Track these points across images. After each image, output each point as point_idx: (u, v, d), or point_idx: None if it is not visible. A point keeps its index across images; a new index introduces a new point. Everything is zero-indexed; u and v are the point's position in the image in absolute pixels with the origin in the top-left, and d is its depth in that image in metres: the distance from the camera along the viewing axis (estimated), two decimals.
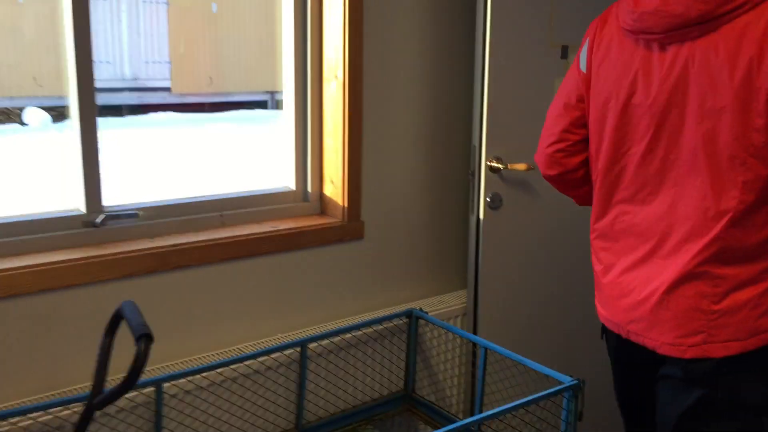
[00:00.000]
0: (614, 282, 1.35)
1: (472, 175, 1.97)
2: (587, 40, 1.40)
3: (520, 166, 1.92)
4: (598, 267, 1.41)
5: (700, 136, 1.20)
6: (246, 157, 7.04)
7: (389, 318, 1.88)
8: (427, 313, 1.93)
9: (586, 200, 1.52)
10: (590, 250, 1.45)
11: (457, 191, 2.12)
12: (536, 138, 1.52)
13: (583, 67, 1.40)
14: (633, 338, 1.32)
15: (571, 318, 2.18)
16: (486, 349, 1.75)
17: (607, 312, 1.38)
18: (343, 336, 1.80)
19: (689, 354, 1.24)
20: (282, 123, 1.93)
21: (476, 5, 1.89)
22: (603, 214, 1.39)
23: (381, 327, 1.88)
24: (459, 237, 2.14)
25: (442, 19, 2.00)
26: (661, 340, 1.27)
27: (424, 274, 2.10)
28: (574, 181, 1.48)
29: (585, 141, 1.43)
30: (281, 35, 1.89)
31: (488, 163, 1.93)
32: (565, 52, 1.99)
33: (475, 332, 2.01)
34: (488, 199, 1.95)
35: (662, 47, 1.24)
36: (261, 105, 9.52)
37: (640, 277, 1.30)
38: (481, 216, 1.95)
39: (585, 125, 1.42)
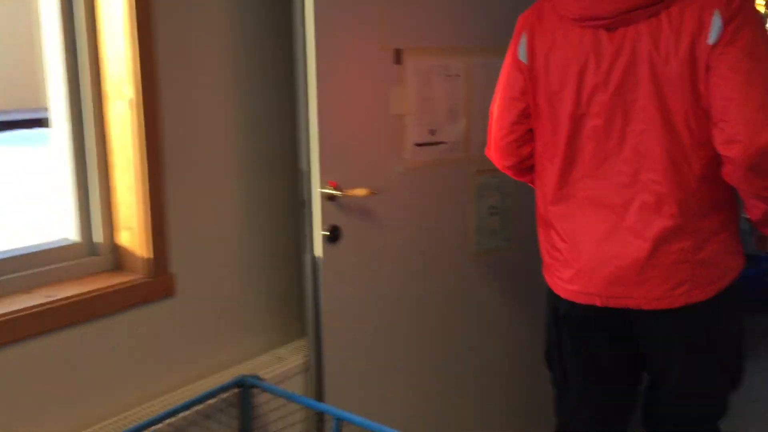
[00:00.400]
0: (589, 254, 1.42)
1: (303, 205, 1.65)
2: (524, 34, 1.47)
3: (360, 192, 1.62)
4: (561, 245, 1.47)
5: (655, 107, 1.33)
6: (14, 196, 5.65)
7: (214, 393, 1.50)
8: (261, 379, 1.57)
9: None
10: (537, 237, 1.55)
11: (288, 225, 1.78)
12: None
13: (524, 59, 1.47)
14: (613, 303, 1.42)
15: (446, 360, 1.92)
16: (339, 420, 1.43)
17: (580, 286, 1.45)
18: (156, 427, 1.40)
19: (678, 303, 1.38)
20: (53, 155, 1.48)
21: (293, 3, 1.58)
22: (564, 193, 1.46)
23: (205, 405, 1.50)
24: (294, 277, 1.80)
25: (252, 19, 1.66)
26: (649, 296, 1.38)
27: (257, 326, 1.75)
28: (530, 167, 1.56)
29: (531, 130, 1.51)
30: (42, 42, 1.45)
31: (322, 191, 1.61)
32: (399, 57, 1.72)
33: (320, 393, 1.68)
34: (325, 232, 1.63)
35: (609, 31, 1.35)
36: (42, 123, 8.29)
37: (617, 244, 1.39)
38: (318, 252, 1.63)
39: (529, 115, 1.50)
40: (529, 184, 1.62)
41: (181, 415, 1.44)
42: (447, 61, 1.79)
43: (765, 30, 1.32)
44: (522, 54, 1.47)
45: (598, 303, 1.43)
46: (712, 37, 1.28)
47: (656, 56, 1.31)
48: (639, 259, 1.37)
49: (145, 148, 1.44)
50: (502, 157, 1.58)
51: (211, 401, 1.50)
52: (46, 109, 1.49)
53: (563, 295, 1.48)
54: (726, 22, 1.28)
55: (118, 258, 1.52)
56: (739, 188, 1.36)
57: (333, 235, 1.64)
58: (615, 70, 1.35)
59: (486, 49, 1.82)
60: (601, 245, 1.40)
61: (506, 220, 1.94)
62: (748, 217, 1.43)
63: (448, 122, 1.81)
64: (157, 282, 1.50)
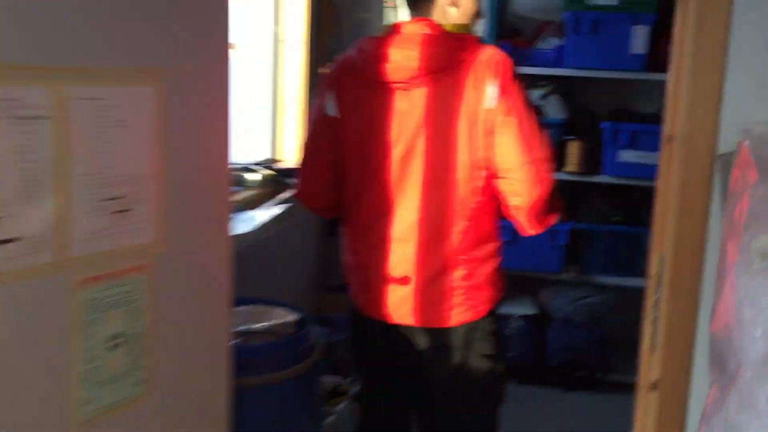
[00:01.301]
0: (381, 279, 1.71)
1: None
2: (333, 90, 1.73)
3: None
4: (362, 275, 1.77)
5: (442, 157, 1.63)
6: None
7: None
8: None
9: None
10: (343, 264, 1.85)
11: None
12: None
13: (333, 113, 1.72)
14: (397, 320, 1.73)
15: None
16: None
17: (374, 306, 1.75)
18: None
19: (452, 323, 1.71)
20: None
21: None
22: (365, 228, 1.74)
23: None
24: None
25: None
26: (429, 316, 1.70)
27: None
28: (337, 209, 1.83)
29: (338, 176, 1.77)
30: None
31: None
32: None
33: None
34: None
35: (407, 90, 1.65)
36: None
37: (408, 272, 1.69)
38: None
39: (337, 163, 1.75)
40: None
41: None
42: (18, 92, 0.99)
43: (527, 96, 1.65)
44: (330, 109, 1.72)
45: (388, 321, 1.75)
46: (488, 102, 1.60)
47: (442, 115, 1.62)
48: (422, 282, 1.69)
49: None
50: (313, 202, 1.87)
51: None
52: None
53: (366, 312, 1.81)
54: (500, 90, 1.60)
55: None
56: (525, 229, 1.72)
57: None
58: (409, 126, 1.65)
59: (92, 71, 1.07)
60: (392, 271, 1.70)
61: (139, 352, 1.19)
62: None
63: (22, 203, 1.01)
64: None
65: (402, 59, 1.61)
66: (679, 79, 1.37)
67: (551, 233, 3.46)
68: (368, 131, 1.67)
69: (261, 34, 3.49)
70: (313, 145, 1.79)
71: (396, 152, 1.65)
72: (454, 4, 1.68)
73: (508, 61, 1.62)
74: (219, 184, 1.27)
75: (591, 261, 3.54)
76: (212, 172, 1.25)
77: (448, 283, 1.67)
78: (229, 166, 1.30)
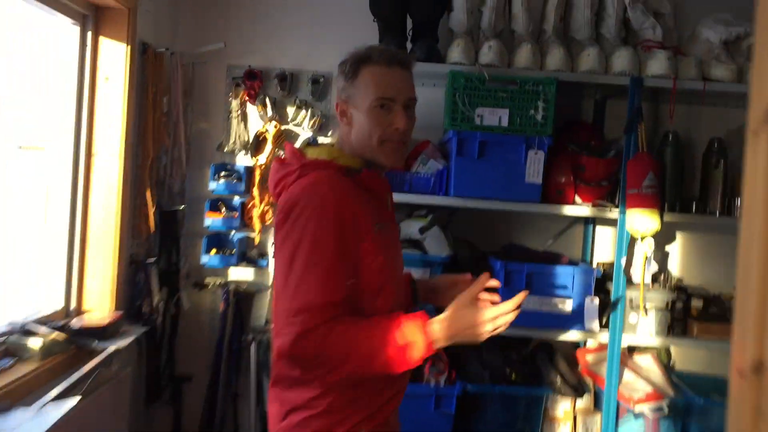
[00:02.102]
0: None
1: None
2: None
3: None
4: None
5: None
6: None
7: None
8: None
9: None
10: None
11: None
12: None
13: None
14: None
15: None
16: None
17: None
18: None
19: None
20: None
21: None
22: None
23: None
24: None
25: None
26: None
27: None
28: None
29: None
30: None
31: None
32: None
33: None
34: None
35: None
36: None
37: None
38: None
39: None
40: None
41: None
42: None
43: (316, 240, 1.47)
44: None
45: None
46: (276, 235, 1.55)
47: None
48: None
49: None
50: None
51: None
52: None
53: None
54: (275, 228, 1.55)
55: None
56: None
57: None
58: None
59: None
60: None
61: None
62: None
63: None
64: None
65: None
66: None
67: (436, 398, 2.78)
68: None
69: (62, 140, 2.68)
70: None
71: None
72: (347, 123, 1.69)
73: (297, 194, 1.53)
74: None
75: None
76: None
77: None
78: None
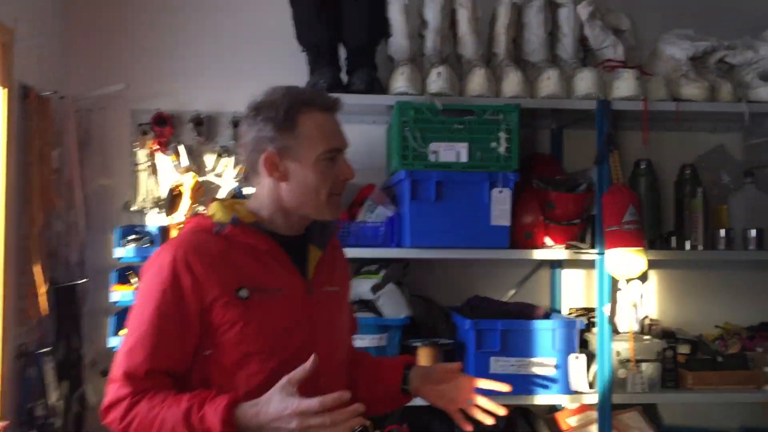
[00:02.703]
0: None
1: None
2: None
3: None
4: None
5: None
6: None
7: None
8: None
9: None
10: None
11: None
12: None
13: None
14: None
15: None
16: None
17: None
18: None
19: None
20: None
21: None
22: None
23: None
24: None
25: None
26: None
27: None
28: None
29: None
30: None
31: None
32: None
33: None
34: None
35: None
36: None
37: None
38: None
39: None
40: None
41: None
42: None
43: (138, 308, 1.41)
44: None
45: None
46: None
47: None
48: None
49: None
50: None
51: None
52: None
53: None
54: None
55: None
56: None
57: None
58: None
59: None
60: None
61: None
62: None
63: None
64: None
65: None
66: None
67: None
68: None
69: None
70: None
71: None
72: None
73: (153, 258, 1.45)
74: None
75: None
76: None
77: None
78: None
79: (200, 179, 2.76)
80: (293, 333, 1.46)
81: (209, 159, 2.81)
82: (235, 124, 2.79)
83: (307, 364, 1.33)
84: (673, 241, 2.67)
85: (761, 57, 2.59)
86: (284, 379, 1.32)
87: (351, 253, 2.45)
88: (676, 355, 2.61)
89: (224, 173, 2.78)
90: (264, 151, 1.44)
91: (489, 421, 1.58)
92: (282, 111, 1.43)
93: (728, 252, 2.64)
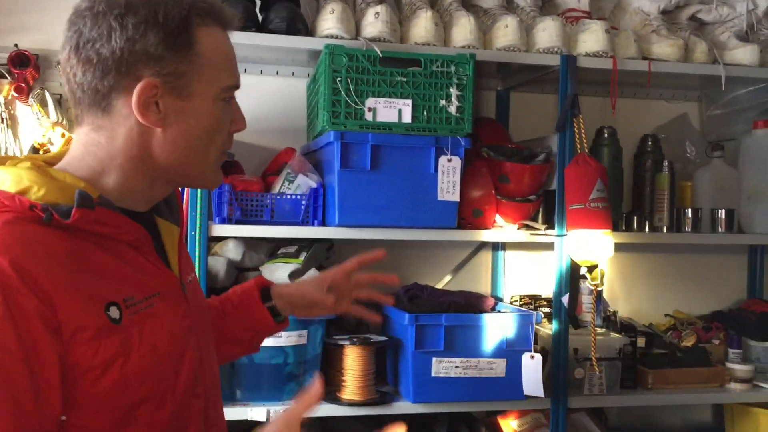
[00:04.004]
0: None
1: None
2: None
3: None
4: None
5: None
6: None
7: None
8: None
9: None
10: None
11: None
12: None
13: None
14: None
15: None
16: None
17: None
18: None
19: None
20: None
21: None
22: None
23: None
24: None
25: None
26: None
27: None
28: None
29: None
30: None
31: None
32: None
33: None
34: None
35: None
36: None
37: None
38: None
39: None
40: None
41: None
42: None
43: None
44: None
45: None
46: None
47: None
48: None
49: None
50: None
51: None
52: None
53: None
54: None
55: None
56: None
57: None
58: None
59: None
60: None
61: None
62: None
63: None
64: None
65: None
66: None
67: None
68: None
69: None
70: None
71: None
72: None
73: None
74: None
75: None
76: None
77: None
78: None
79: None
80: (181, 357, 1.01)
81: None
82: None
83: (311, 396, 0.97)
84: (635, 221, 2.34)
85: (738, 14, 2.28)
86: (284, 418, 0.95)
87: (266, 232, 2.00)
88: (635, 350, 2.31)
89: None
90: (139, 78, 0.94)
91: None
92: (173, 17, 0.94)
93: (695, 235, 2.35)
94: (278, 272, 2.06)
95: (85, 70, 0.95)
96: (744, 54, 2.23)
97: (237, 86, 1.05)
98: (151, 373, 0.94)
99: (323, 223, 2.05)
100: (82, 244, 0.92)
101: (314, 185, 2.05)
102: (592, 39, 2.13)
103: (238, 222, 1.98)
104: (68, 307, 0.86)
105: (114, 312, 0.90)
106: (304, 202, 2.04)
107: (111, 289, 0.92)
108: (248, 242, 2.11)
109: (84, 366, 0.87)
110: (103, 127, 0.98)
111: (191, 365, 1.02)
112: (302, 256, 2.08)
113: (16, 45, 2.16)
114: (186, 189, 1.90)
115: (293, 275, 2.05)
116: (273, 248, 2.17)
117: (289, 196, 2.05)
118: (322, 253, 2.17)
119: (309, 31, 2.07)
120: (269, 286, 1.35)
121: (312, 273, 2.07)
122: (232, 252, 2.08)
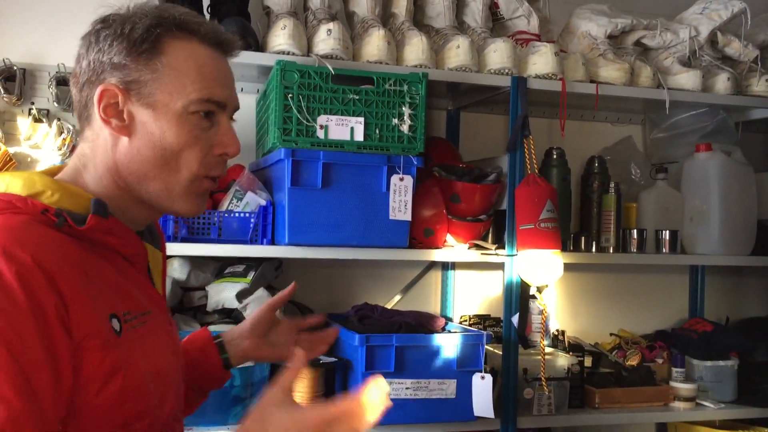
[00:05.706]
0: None
1: None
2: None
3: None
4: None
5: None
6: None
7: None
8: None
9: None
10: None
11: None
12: None
13: None
14: None
15: None
16: None
17: None
18: None
19: None
20: None
21: None
22: None
23: None
24: None
25: None
26: None
27: None
28: None
29: None
30: None
31: None
32: None
33: None
34: None
35: None
36: None
37: None
38: None
39: None
40: None
41: None
42: None
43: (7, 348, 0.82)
44: None
45: None
46: None
47: None
48: None
49: None
50: None
51: None
52: None
53: None
54: None
55: None
56: None
57: None
58: None
59: None
60: None
61: None
62: None
63: None
64: None
65: None
66: None
67: None
68: None
69: None
70: None
71: None
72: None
73: None
74: None
75: None
76: None
77: None
78: None
79: (10, 150, 2.11)
80: (166, 377, 1.01)
81: (23, 124, 2.16)
82: (60, 81, 2.16)
83: (300, 355, 0.94)
84: (582, 241, 2.37)
85: (681, 40, 2.34)
86: (276, 390, 0.90)
87: (213, 250, 1.94)
88: (583, 370, 2.32)
89: (43, 143, 2.15)
90: (101, 83, 0.96)
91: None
92: (141, 28, 0.97)
93: (641, 255, 2.38)
94: (225, 292, 2.01)
95: (73, 83, 1.02)
96: (687, 79, 2.29)
97: (216, 102, 1.01)
98: (147, 390, 0.93)
99: (272, 242, 2.01)
100: (89, 253, 0.92)
101: (263, 203, 2.01)
102: (542, 61, 2.16)
103: (183, 240, 1.93)
104: (80, 313, 0.86)
105: (115, 324, 0.91)
106: (252, 220, 1.99)
107: (113, 301, 0.92)
108: (194, 261, 2.05)
109: (87, 374, 0.87)
110: (88, 138, 1.01)
111: (176, 388, 1.03)
112: (250, 275, 2.03)
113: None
114: None
115: (241, 295, 2.00)
116: (220, 267, 2.12)
117: (237, 214, 2.00)
118: (270, 273, 2.12)
119: (260, 46, 2.04)
120: (222, 340, 1.32)
121: (260, 293, 2.02)
122: (177, 271, 2.02)
